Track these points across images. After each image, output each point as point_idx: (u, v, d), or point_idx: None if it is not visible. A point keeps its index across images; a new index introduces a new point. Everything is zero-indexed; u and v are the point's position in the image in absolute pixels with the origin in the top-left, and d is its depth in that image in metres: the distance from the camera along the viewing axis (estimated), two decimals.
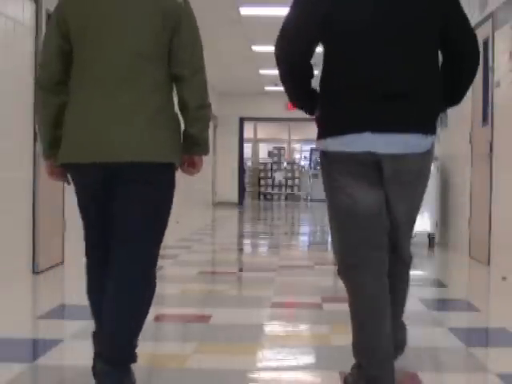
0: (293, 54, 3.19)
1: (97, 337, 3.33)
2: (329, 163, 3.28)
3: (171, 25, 3.18)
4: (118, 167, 3.15)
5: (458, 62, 3.21)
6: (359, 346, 3.24)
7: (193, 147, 3.35)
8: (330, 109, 3.19)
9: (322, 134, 3.26)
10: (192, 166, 3.41)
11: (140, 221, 3.20)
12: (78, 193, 3.33)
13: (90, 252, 3.37)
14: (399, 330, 3.46)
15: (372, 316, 3.22)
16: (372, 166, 3.12)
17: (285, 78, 3.29)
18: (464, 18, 3.35)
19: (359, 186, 3.14)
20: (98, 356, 3.25)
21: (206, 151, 3.39)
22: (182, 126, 3.33)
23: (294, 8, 3.16)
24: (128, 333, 3.20)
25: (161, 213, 3.27)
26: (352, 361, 3.82)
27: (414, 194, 3.25)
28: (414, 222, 3.44)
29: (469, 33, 3.31)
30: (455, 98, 3.31)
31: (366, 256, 3.18)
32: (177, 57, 3.21)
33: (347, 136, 3.11)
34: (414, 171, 3.17)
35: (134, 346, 3.22)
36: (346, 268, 3.24)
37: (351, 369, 3.37)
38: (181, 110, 3.30)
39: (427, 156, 3.18)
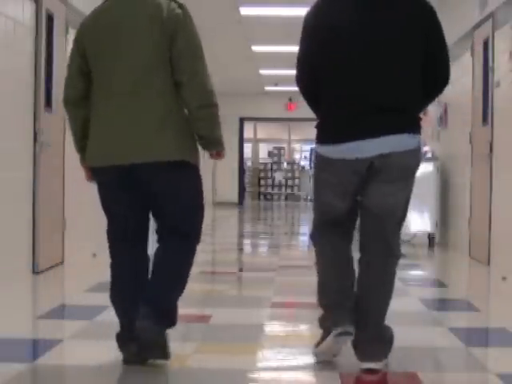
0: (302, 79, 3.88)
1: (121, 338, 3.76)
2: (321, 165, 3.80)
3: (169, 33, 3.55)
4: (133, 168, 3.58)
5: (430, 81, 3.71)
6: (320, 288, 3.99)
7: (206, 145, 3.75)
8: (327, 119, 3.69)
9: (320, 141, 3.74)
10: (217, 156, 3.83)
11: (173, 213, 3.72)
12: (101, 192, 3.84)
13: (113, 246, 3.92)
14: (385, 329, 3.73)
15: (330, 272, 3.97)
16: (359, 173, 3.61)
17: (303, 97, 4.00)
18: (440, 40, 3.74)
19: (336, 196, 3.72)
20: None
21: (218, 148, 3.78)
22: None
23: (300, 41, 3.81)
24: (176, 296, 3.76)
25: (187, 204, 3.72)
26: (352, 360, 3.82)
27: (397, 189, 3.72)
28: (400, 218, 3.89)
29: (443, 56, 3.72)
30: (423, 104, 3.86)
31: (328, 228, 3.87)
32: (176, 65, 3.57)
33: (343, 145, 3.57)
34: (401, 167, 3.62)
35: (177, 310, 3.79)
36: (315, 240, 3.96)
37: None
38: (187, 107, 3.65)
39: (413, 154, 3.63)
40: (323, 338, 3.88)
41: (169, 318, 3.73)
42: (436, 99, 3.96)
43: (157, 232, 3.84)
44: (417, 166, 3.73)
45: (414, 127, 3.63)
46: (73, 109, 3.76)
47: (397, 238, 3.85)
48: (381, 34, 3.52)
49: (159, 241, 3.81)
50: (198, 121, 3.64)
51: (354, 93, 3.55)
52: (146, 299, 3.64)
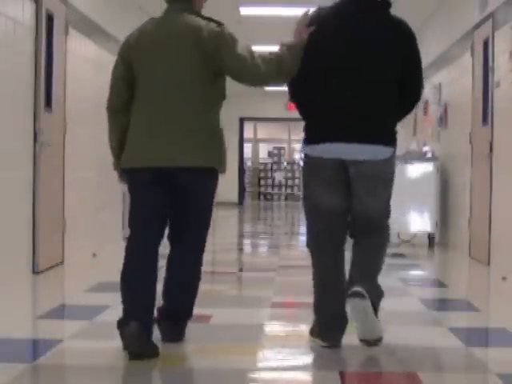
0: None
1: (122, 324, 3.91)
2: (308, 165, 4.20)
3: (210, 52, 3.95)
4: (169, 171, 3.95)
5: (402, 97, 4.11)
6: (315, 297, 4.20)
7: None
8: (312, 123, 4.12)
9: (306, 142, 4.16)
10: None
11: (194, 217, 4.12)
12: (134, 193, 4.12)
13: (136, 238, 4.15)
14: (373, 289, 4.16)
15: (326, 283, 4.19)
16: (339, 170, 4.02)
17: (293, 100, 4.30)
18: (416, 66, 4.14)
19: (325, 191, 4.07)
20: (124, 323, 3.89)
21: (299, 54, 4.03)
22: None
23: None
24: (194, 296, 4.22)
25: (206, 210, 4.14)
26: (352, 359, 3.83)
27: (375, 192, 4.06)
28: (385, 216, 4.20)
29: (417, 79, 4.16)
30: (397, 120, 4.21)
31: (323, 243, 4.19)
32: (227, 63, 3.98)
33: (322, 145, 4.02)
34: (374, 174, 4.02)
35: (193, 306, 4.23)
36: (310, 248, 4.25)
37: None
38: (247, 76, 4.04)
39: (387, 163, 4.06)
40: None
41: (189, 315, 4.25)
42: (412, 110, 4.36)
43: (168, 238, 4.20)
44: (391, 173, 4.14)
45: (389, 139, 4.07)
46: (115, 116, 4.10)
47: (386, 229, 4.24)
48: (366, 56, 3.96)
49: (173, 244, 4.19)
50: (262, 63, 4.00)
51: (339, 103, 3.99)
52: (170, 301, 4.17)
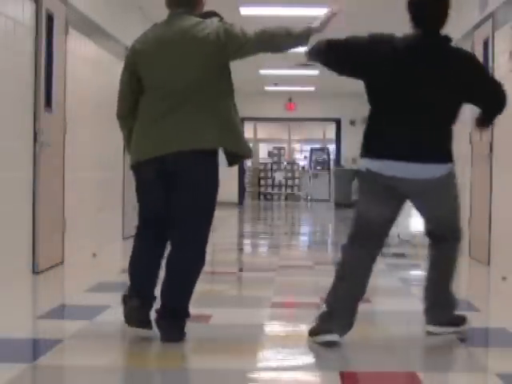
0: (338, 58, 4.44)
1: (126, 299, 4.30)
2: (365, 178, 4.44)
3: (217, 43, 4.12)
4: (162, 159, 4.10)
5: (487, 106, 4.62)
6: (335, 294, 4.40)
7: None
8: (375, 138, 4.34)
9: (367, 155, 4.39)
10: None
11: (189, 202, 4.22)
12: (138, 185, 4.32)
13: (142, 229, 4.39)
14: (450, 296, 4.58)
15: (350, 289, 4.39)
16: (395, 187, 4.30)
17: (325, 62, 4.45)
18: (485, 81, 4.52)
19: (378, 204, 4.34)
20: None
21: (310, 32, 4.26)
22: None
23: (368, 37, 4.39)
24: (188, 295, 4.28)
25: (204, 194, 4.24)
26: (352, 359, 3.83)
27: (435, 203, 4.41)
28: (451, 220, 4.48)
29: (491, 91, 4.53)
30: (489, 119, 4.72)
31: (362, 255, 4.38)
32: (239, 49, 4.16)
33: (385, 161, 4.26)
34: (434, 190, 4.33)
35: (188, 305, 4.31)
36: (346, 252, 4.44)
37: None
38: (263, 46, 4.18)
39: (446, 178, 4.33)
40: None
41: (183, 313, 4.32)
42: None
43: (169, 226, 4.32)
44: (452, 187, 4.42)
45: (446, 158, 4.34)
46: (124, 121, 4.39)
47: (457, 240, 4.52)
48: (435, 86, 4.27)
49: (170, 232, 4.30)
50: (274, 35, 4.15)
51: (406, 124, 4.27)
52: (165, 301, 4.27)
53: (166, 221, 4.28)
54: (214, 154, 4.16)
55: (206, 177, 4.18)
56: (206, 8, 4.45)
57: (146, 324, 4.30)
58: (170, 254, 4.28)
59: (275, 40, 4.14)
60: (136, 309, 4.28)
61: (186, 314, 4.32)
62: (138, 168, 4.26)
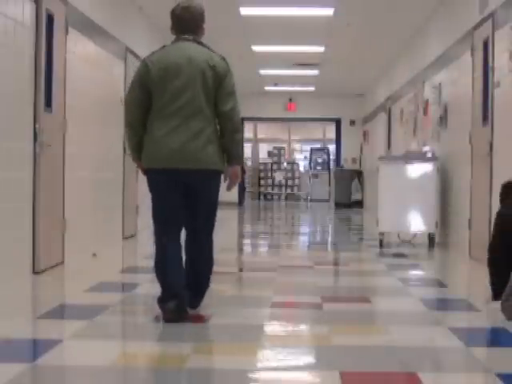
0: None
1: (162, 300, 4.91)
2: None
3: (219, 79, 4.91)
4: (184, 172, 4.87)
5: None
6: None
7: (230, 159, 5.05)
8: None
9: None
10: (234, 179, 5.14)
11: (205, 209, 5.07)
12: (154, 189, 4.96)
13: (163, 232, 4.96)
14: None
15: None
16: None
17: None
18: None
19: None
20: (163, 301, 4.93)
21: (238, 162, 5.12)
22: None
23: None
24: (209, 272, 5.19)
25: (213, 203, 5.12)
26: (352, 359, 3.83)
27: None
28: None
29: None
30: None
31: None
32: (222, 100, 4.92)
33: None
34: None
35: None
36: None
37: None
38: (221, 132, 4.97)
39: None
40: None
41: (207, 287, 5.23)
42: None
43: (186, 225, 5.07)
44: None
45: None
46: (134, 129, 4.97)
47: None
48: None
49: (188, 230, 5.09)
50: (230, 141, 4.98)
51: None
52: (194, 281, 5.07)
53: (181, 222, 5.02)
54: (220, 172, 5.06)
55: (215, 188, 5.10)
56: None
57: (184, 318, 4.87)
58: (191, 245, 5.10)
59: (238, 126, 5.06)
60: (174, 311, 4.84)
61: (208, 285, 5.24)
62: (155, 172, 4.93)
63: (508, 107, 7.30)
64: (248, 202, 24.20)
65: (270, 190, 27.49)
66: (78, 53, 8.21)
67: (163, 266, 4.95)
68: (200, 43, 5.04)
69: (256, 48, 14.80)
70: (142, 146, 4.96)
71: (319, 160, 26.06)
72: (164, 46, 5.03)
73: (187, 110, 4.86)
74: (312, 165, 25.99)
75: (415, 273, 7.89)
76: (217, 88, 4.92)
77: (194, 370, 3.84)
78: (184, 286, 4.94)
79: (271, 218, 18.20)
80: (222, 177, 5.12)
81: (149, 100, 4.91)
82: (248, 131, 25.88)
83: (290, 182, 27.50)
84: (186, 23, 5.02)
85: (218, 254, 9.14)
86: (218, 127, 4.98)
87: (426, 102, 11.32)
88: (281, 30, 12.95)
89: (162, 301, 4.92)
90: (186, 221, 5.05)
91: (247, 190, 26.02)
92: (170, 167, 4.86)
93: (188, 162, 4.86)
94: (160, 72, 4.88)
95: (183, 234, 5.09)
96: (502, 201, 5.54)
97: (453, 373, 3.97)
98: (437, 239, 9.95)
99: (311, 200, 25.09)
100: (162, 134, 4.85)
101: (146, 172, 4.99)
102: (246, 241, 11.70)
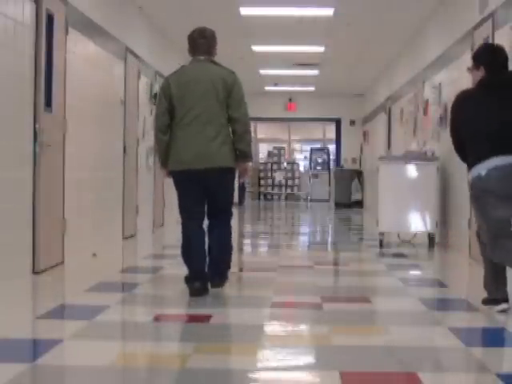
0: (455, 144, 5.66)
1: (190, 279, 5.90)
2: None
3: (228, 89, 5.86)
4: (203, 171, 5.78)
5: None
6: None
7: (242, 156, 5.95)
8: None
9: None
10: (244, 173, 6.12)
11: (223, 200, 6.04)
12: (180, 188, 5.93)
13: (188, 221, 5.91)
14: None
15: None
16: None
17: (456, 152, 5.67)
18: None
19: None
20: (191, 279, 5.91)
21: (249, 159, 6.03)
22: None
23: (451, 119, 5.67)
24: (230, 259, 6.11)
25: (230, 195, 6.12)
26: (352, 359, 3.83)
27: None
28: None
29: None
30: None
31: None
32: (231, 107, 5.86)
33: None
34: None
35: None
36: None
37: None
38: (233, 134, 5.90)
39: None
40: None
41: (228, 268, 6.09)
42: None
43: (208, 215, 6.01)
44: None
45: None
46: (162, 134, 5.89)
47: None
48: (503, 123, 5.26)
49: (210, 219, 6.03)
50: (240, 142, 5.89)
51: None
52: (214, 262, 5.96)
53: (203, 213, 5.97)
54: (233, 168, 5.96)
55: (231, 181, 6.00)
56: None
57: (206, 293, 5.86)
58: (212, 231, 5.99)
59: (247, 128, 5.94)
60: (199, 289, 5.81)
61: (229, 266, 6.09)
62: (180, 174, 5.86)
63: None
64: (248, 202, 24.20)
65: (270, 190, 27.47)
66: (78, 53, 8.21)
67: (189, 251, 5.88)
68: (213, 61, 5.99)
69: (256, 48, 14.79)
70: (168, 153, 5.88)
71: (319, 160, 26.04)
72: (183, 66, 6.04)
73: (203, 117, 5.80)
74: (312, 165, 25.98)
75: (415, 273, 7.89)
76: (227, 97, 5.83)
77: (194, 370, 3.84)
78: (205, 267, 5.90)
79: (271, 217, 18.20)
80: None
81: (172, 110, 5.86)
82: None
83: (290, 182, 27.49)
84: (201, 46, 5.99)
85: None
86: (230, 130, 5.87)
87: (426, 102, 11.32)
88: (281, 30, 12.95)
89: (188, 280, 5.87)
90: (208, 211, 5.99)
91: (247, 189, 26.01)
92: (191, 168, 5.78)
93: (206, 162, 5.77)
94: (180, 87, 5.85)
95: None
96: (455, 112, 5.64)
97: (453, 373, 3.97)
98: (437, 239, 9.95)
99: (311, 200, 25.09)
100: (183, 141, 5.81)
101: (170, 174, 5.92)
102: (246, 241, 11.69)
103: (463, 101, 5.53)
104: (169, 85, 5.93)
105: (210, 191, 5.92)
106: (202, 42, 6.00)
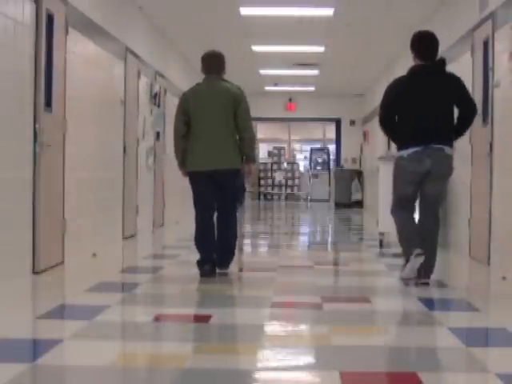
0: (384, 119, 6.65)
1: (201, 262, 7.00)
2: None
3: (237, 103, 6.92)
4: (214, 171, 6.91)
5: (462, 114, 6.57)
6: (400, 236, 6.81)
7: (248, 159, 7.06)
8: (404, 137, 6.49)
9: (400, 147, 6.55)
10: (249, 173, 7.16)
11: (229, 195, 7.09)
12: (195, 185, 7.01)
13: (201, 212, 6.98)
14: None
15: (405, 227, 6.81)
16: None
17: (382, 128, 6.71)
18: (465, 95, 6.54)
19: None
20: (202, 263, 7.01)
21: (254, 161, 7.16)
22: None
23: (384, 96, 6.65)
24: (234, 245, 7.16)
25: (236, 193, 7.14)
26: (352, 359, 3.83)
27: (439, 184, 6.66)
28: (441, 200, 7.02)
29: (467, 103, 6.52)
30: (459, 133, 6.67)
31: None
32: (239, 118, 6.92)
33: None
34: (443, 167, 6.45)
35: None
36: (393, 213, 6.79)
37: None
38: (240, 140, 6.98)
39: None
40: (405, 265, 6.51)
41: (232, 254, 7.16)
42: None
43: (217, 209, 7.05)
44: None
45: (450, 143, 6.50)
46: (180, 139, 6.96)
47: (438, 208, 6.88)
48: (436, 98, 6.41)
49: (219, 211, 7.08)
50: (247, 146, 6.97)
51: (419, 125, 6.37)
52: (221, 248, 7.04)
53: (213, 206, 7.00)
54: (239, 169, 7.01)
55: (237, 180, 7.03)
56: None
57: (214, 275, 6.91)
58: (221, 222, 7.05)
59: (252, 135, 7.07)
60: (209, 270, 6.88)
61: (233, 252, 7.12)
62: (195, 173, 6.94)
63: (508, 107, 7.30)
64: (248, 202, 24.20)
65: (270, 190, 27.48)
66: (78, 53, 8.20)
67: (201, 238, 6.95)
68: (222, 79, 7.04)
69: (256, 48, 14.79)
70: (186, 156, 6.94)
71: (319, 160, 26.05)
72: (197, 84, 7.07)
73: (215, 126, 6.86)
74: (312, 165, 25.99)
75: None
76: (236, 109, 6.89)
77: (194, 370, 3.83)
78: (213, 253, 6.95)
79: (271, 217, 18.20)
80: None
81: (188, 121, 6.92)
82: None
83: (290, 182, 27.49)
84: (213, 66, 7.05)
85: None
86: (237, 137, 6.93)
87: None
88: (281, 30, 12.95)
89: (199, 264, 6.92)
90: (217, 205, 7.01)
91: (247, 190, 26.01)
92: (205, 170, 6.88)
93: (217, 164, 6.87)
94: (195, 101, 6.91)
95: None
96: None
97: (453, 373, 3.97)
98: None
99: (311, 200, 25.09)
100: (198, 147, 6.88)
101: (188, 174, 6.97)
102: (246, 241, 11.69)
103: (394, 86, 6.54)
104: (186, 99, 6.98)
105: (220, 188, 6.95)
106: (212, 63, 7.07)
